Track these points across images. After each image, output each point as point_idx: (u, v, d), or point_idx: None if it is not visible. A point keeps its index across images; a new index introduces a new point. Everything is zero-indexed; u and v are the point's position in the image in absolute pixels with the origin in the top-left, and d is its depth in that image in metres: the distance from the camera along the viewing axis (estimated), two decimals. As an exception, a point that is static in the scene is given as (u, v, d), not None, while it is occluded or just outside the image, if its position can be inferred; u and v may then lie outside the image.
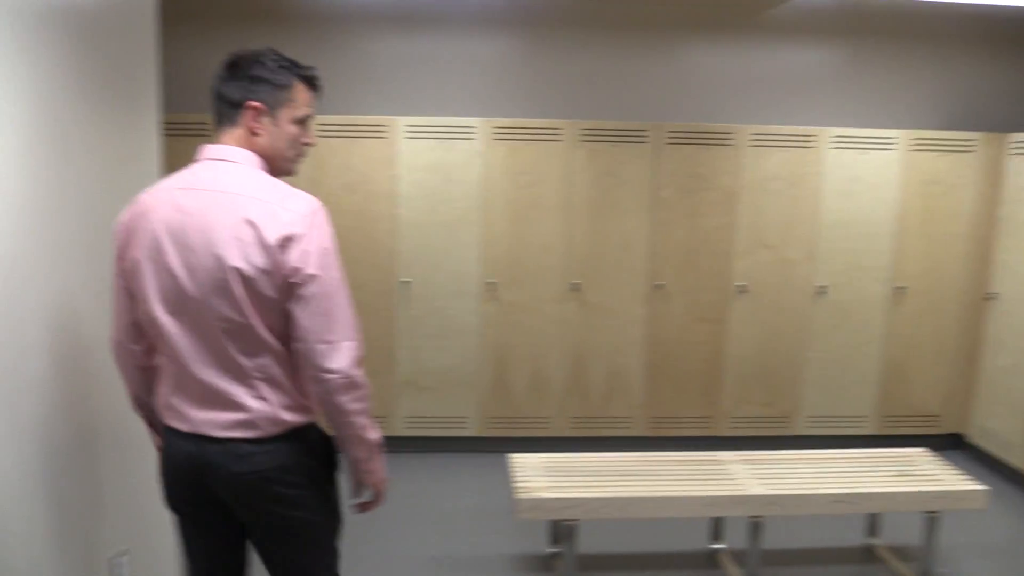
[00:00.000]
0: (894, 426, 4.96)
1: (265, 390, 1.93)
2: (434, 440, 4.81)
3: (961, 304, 4.85)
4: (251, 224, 1.83)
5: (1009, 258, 4.62)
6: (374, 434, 2.03)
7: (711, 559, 3.69)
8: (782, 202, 4.66)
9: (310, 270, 1.85)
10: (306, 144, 2.06)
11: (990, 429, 4.72)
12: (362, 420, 1.97)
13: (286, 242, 1.84)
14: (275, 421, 1.94)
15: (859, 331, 4.83)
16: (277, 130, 1.98)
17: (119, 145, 2.60)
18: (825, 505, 3.28)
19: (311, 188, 4.43)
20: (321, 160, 4.43)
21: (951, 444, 5.04)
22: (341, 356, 1.88)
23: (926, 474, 3.49)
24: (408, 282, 4.59)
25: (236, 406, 1.91)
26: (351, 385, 1.91)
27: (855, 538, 3.86)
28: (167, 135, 3.84)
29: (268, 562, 2.11)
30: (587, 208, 4.60)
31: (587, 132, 4.53)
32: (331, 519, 2.12)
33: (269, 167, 1.99)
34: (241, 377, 1.91)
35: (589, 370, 4.76)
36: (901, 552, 3.76)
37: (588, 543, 3.70)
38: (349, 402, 1.93)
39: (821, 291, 4.76)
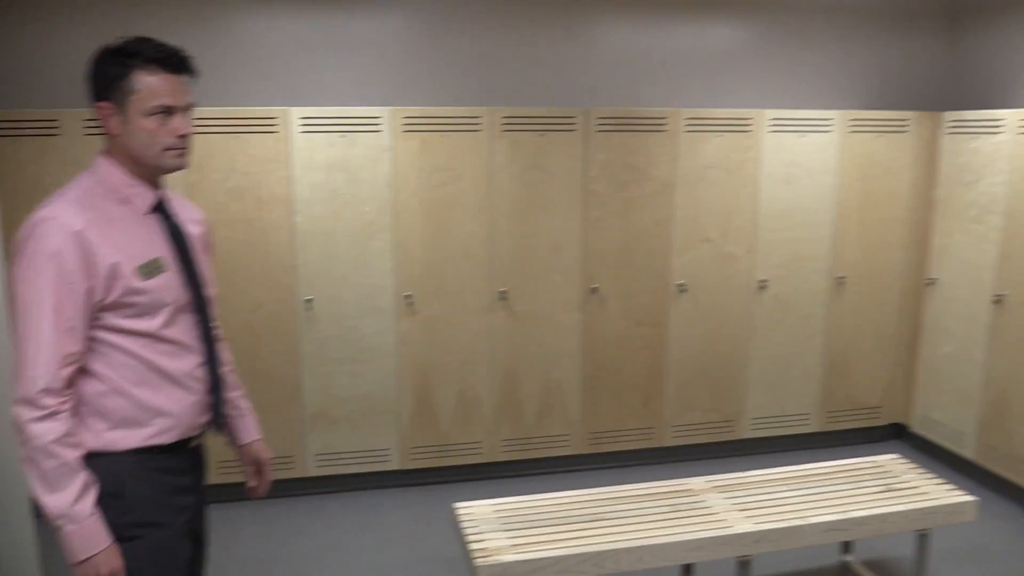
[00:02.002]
0: (836, 422, 4.74)
1: None
2: (351, 478, 4.20)
3: (900, 291, 4.66)
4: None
5: (947, 241, 4.45)
6: (46, 499, 1.74)
7: (687, 600, 3.30)
8: (720, 192, 4.31)
9: (12, 288, 1.77)
10: (181, 136, 1.86)
11: (935, 419, 4.56)
12: (30, 472, 1.74)
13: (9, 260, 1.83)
14: None
15: (801, 325, 4.56)
16: (130, 127, 1.82)
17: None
18: (818, 535, 2.93)
19: (189, 194, 3.72)
20: (198, 161, 3.72)
21: (892, 435, 4.88)
22: (14, 391, 1.74)
23: (908, 486, 3.20)
24: (312, 300, 3.96)
25: None
26: (15, 427, 1.74)
27: (830, 556, 3.57)
28: None
29: None
30: (512, 206, 4.09)
31: (509, 120, 4.02)
32: None
33: (139, 169, 1.87)
34: None
35: (521, 387, 4.27)
36: (879, 568, 3.49)
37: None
38: (20, 446, 1.74)
39: (762, 285, 4.45)
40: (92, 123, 2.26)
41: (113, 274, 1.79)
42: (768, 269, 4.44)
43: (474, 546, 2.73)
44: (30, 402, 1.71)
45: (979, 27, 4.72)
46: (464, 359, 4.17)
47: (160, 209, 1.94)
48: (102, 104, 1.81)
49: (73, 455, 1.75)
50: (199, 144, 3.70)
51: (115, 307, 1.81)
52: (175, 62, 1.83)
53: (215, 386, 2.02)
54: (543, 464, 4.40)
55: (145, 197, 1.90)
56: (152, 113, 1.80)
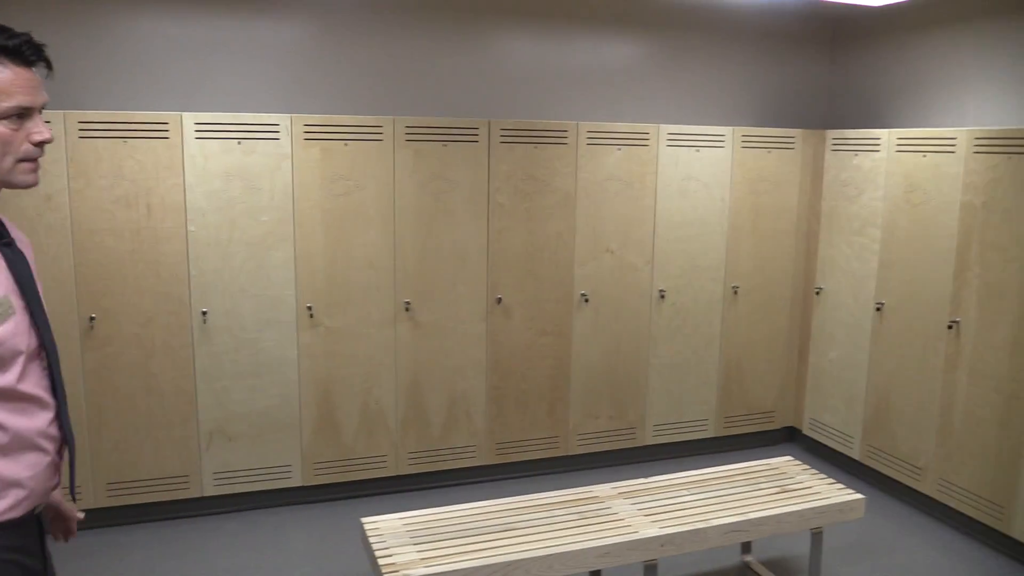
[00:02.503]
0: (733, 426, 4.90)
1: None
2: (252, 496, 4.05)
3: (791, 300, 4.87)
4: None
5: (832, 252, 4.68)
6: None
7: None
8: (621, 204, 4.40)
9: None
10: (38, 143, 1.54)
11: (824, 422, 4.78)
12: None
13: None
14: None
15: (698, 334, 4.70)
16: None
17: None
18: (719, 537, 3.02)
19: (73, 202, 3.53)
20: (84, 167, 3.54)
21: (786, 438, 5.08)
22: None
23: (802, 487, 3.34)
24: (207, 313, 3.81)
25: None
26: None
27: (731, 556, 3.67)
28: None
29: None
30: (416, 216, 4.06)
31: (412, 130, 3.99)
32: None
33: None
34: None
35: (426, 398, 4.23)
36: (777, 566, 3.61)
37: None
38: None
39: (661, 295, 4.56)
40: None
41: None
42: (666, 279, 4.56)
43: (383, 561, 2.69)
44: None
45: (858, 52, 5.00)
46: (368, 371, 4.10)
47: None
48: None
49: None
50: (85, 149, 3.52)
51: None
52: (28, 52, 1.50)
53: (68, 443, 1.69)
54: (450, 476, 4.37)
55: None
56: (5, 116, 1.48)
